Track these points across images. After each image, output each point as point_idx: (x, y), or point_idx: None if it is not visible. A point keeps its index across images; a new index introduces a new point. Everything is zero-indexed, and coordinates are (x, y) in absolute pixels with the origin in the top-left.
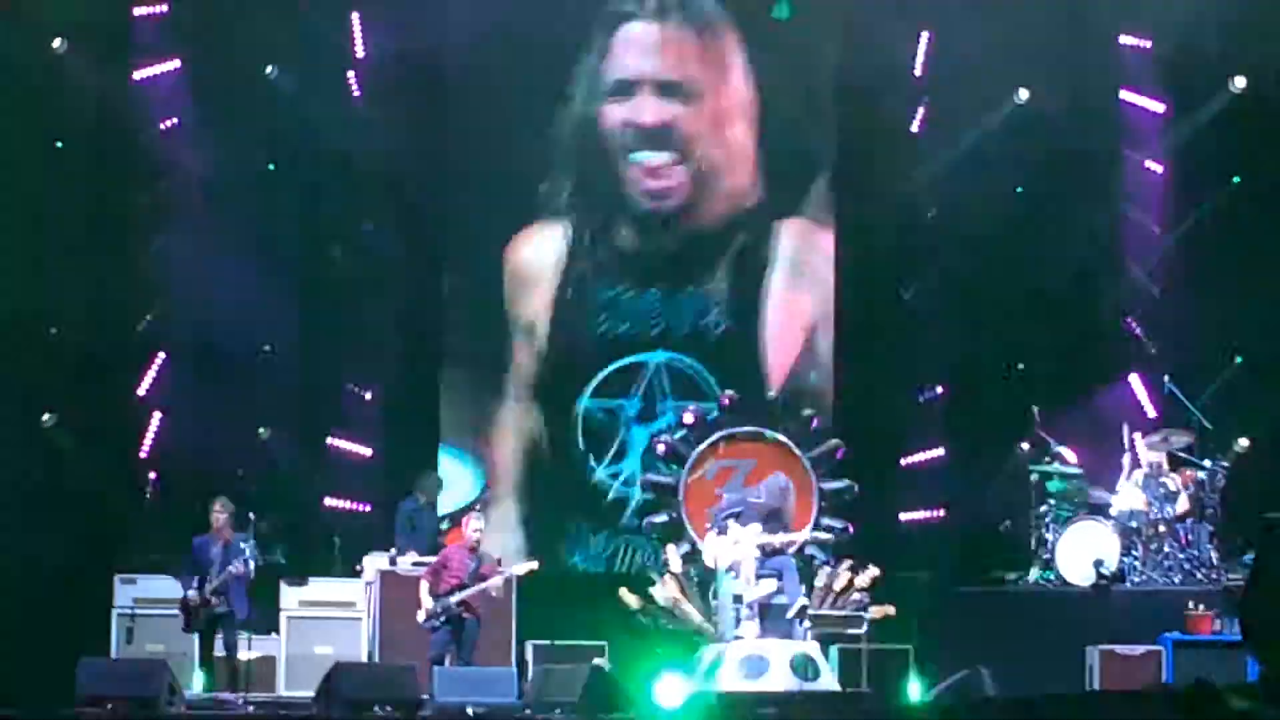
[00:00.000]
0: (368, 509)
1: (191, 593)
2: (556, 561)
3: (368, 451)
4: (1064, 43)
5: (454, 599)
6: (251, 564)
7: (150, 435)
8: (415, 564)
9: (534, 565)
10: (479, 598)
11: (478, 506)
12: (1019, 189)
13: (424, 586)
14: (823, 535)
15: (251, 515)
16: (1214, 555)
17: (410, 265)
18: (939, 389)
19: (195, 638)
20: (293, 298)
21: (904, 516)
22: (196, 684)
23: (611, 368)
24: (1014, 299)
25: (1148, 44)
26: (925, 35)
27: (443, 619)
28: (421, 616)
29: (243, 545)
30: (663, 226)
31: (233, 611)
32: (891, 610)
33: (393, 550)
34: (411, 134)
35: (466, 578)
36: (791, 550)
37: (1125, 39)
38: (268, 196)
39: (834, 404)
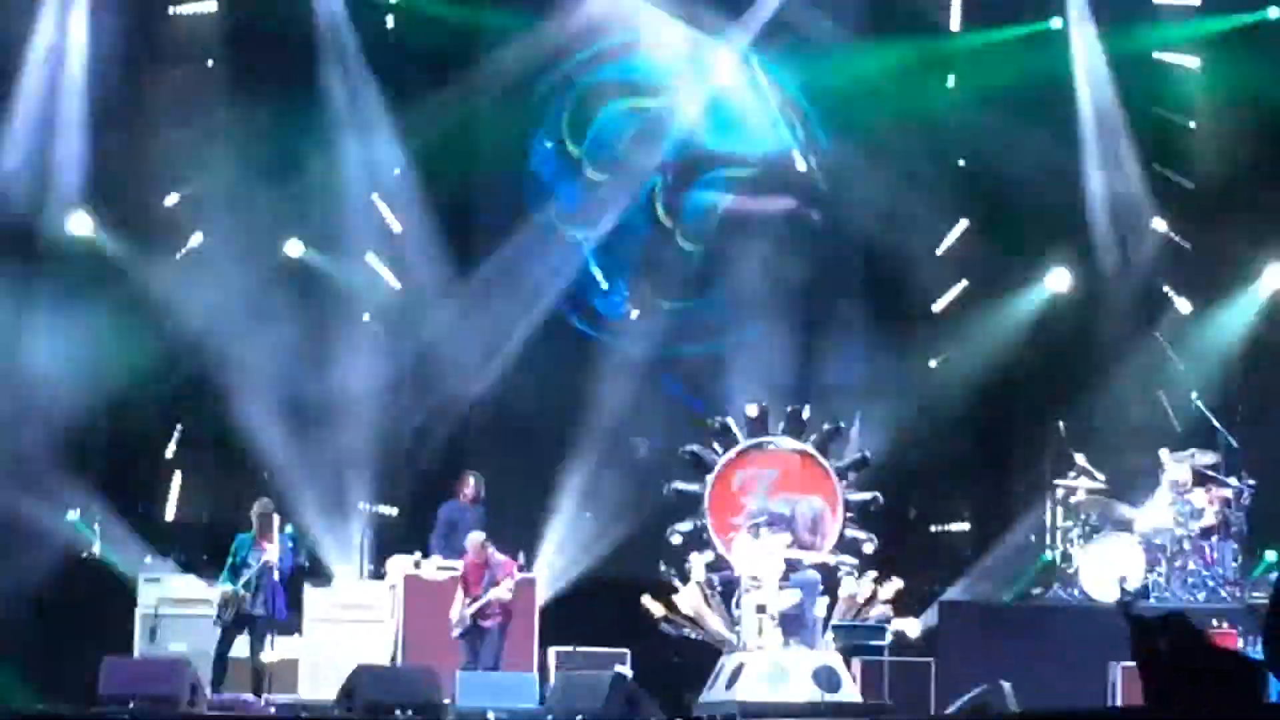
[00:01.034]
0: (394, 512)
1: (229, 587)
2: (580, 567)
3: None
4: None
5: (469, 610)
6: (294, 563)
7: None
8: (440, 568)
9: (513, 583)
10: (499, 604)
11: None
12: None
13: (457, 597)
14: (849, 559)
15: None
16: (1238, 572)
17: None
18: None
19: (217, 635)
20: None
21: (929, 529)
22: (220, 683)
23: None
24: (1040, 309)
25: None
26: None
27: (468, 626)
28: (453, 629)
29: (289, 545)
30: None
31: (268, 614)
32: (916, 622)
33: (418, 554)
34: None
35: (482, 589)
36: (816, 563)
37: None
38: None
39: (859, 415)
